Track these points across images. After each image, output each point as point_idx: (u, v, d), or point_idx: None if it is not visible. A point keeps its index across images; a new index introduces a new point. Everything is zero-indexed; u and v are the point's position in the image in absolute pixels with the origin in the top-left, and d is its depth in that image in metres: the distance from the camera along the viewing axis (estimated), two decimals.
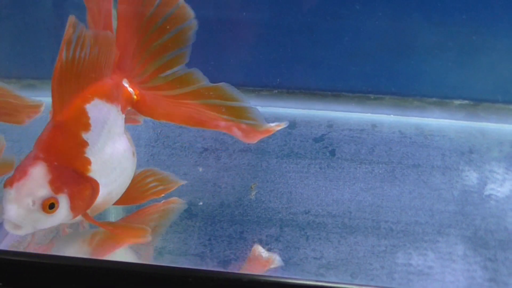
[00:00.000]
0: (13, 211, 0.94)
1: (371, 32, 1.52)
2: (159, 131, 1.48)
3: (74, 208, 0.98)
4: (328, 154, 1.41)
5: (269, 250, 1.13)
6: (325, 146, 1.44)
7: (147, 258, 1.12)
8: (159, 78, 1.07)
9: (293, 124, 1.52)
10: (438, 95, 1.57)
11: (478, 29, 1.49)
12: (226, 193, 1.28)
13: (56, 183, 0.96)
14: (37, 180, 0.95)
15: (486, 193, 1.28)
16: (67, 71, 0.94)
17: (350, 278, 1.07)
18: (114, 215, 1.20)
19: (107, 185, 1.04)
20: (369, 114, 1.56)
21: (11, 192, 0.94)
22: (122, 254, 1.12)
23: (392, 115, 1.56)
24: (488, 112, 1.54)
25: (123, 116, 1.08)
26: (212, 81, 1.60)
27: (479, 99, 1.56)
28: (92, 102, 1.00)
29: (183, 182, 1.22)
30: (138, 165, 1.16)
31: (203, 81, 1.08)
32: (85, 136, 0.99)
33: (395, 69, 1.56)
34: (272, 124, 1.12)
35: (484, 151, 1.42)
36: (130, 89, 1.08)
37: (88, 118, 0.99)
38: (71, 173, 0.98)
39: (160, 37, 1.04)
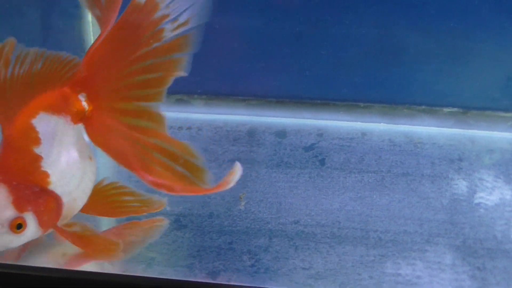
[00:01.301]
0: None
1: (360, 40, 1.52)
2: None
3: (42, 223, 0.99)
4: (318, 163, 1.41)
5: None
6: (315, 155, 1.44)
7: (136, 269, 1.11)
8: (126, 104, 1.05)
9: (282, 133, 1.52)
10: (428, 102, 1.57)
11: (466, 36, 1.49)
12: (215, 204, 1.28)
13: (20, 202, 0.96)
14: (1, 203, 0.95)
15: (476, 201, 1.28)
16: (5, 89, 0.95)
17: None
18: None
19: (70, 193, 1.04)
20: (358, 123, 1.56)
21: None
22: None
23: (381, 123, 1.56)
24: (477, 120, 1.55)
25: (75, 126, 1.08)
26: (200, 89, 1.64)
27: (468, 107, 1.56)
28: (38, 116, 1.01)
29: (168, 208, 1.21)
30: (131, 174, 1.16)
31: (166, 132, 1.07)
32: (37, 150, 1.00)
33: (384, 77, 1.56)
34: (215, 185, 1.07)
35: (474, 159, 1.42)
36: (84, 103, 1.06)
37: (36, 132, 1.00)
38: (32, 190, 0.98)
39: (145, 72, 1.03)
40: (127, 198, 1.18)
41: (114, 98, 1.06)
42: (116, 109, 1.06)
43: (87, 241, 1.09)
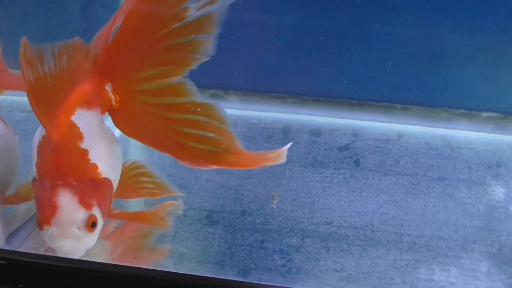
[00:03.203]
0: (65, 246, 0.95)
1: (400, 41, 1.51)
2: None
3: (103, 213, 1.00)
4: (352, 164, 1.40)
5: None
6: (350, 155, 1.43)
7: (167, 264, 1.11)
8: (149, 84, 1.02)
9: (317, 132, 1.51)
10: (466, 106, 1.55)
11: (509, 40, 1.47)
12: (248, 201, 1.27)
13: (86, 201, 0.96)
14: (70, 207, 0.95)
15: None
16: (39, 91, 0.93)
17: None
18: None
19: (114, 179, 1.05)
20: (395, 124, 1.55)
21: (53, 230, 0.94)
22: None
23: (418, 126, 1.54)
24: None
25: (101, 116, 1.07)
26: (238, 87, 1.63)
27: (508, 112, 1.54)
28: (76, 112, 1.00)
29: (180, 194, 1.20)
30: (164, 168, 1.15)
31: (194, 95, 1.01)
32: (82, 145, 0.99)
33: (423, 79, 1.54)
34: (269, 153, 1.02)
35: None
36: (111, 94, 1.06)
37: (78, 128, 0.99)
38: (89, 185, 0.98)
39: (166, 53, 1.00)
40: (144, 179, 1.17)
41: (138, 82, 1.03)
42: (141, 92, 1.03)
43: (141, 216, 1.13)
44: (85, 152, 0.99)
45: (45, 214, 0.94)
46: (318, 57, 1.56)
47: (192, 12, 0.97)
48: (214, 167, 1.02)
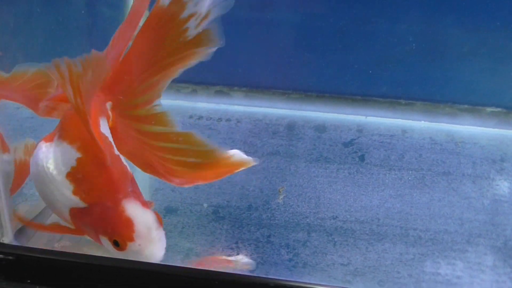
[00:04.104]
0: (155, 252, 0.95)
1: (403, 37, 1.51)
2: None
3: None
4: (357, 159, 1.40)
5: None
6: (355, 151, 1.43)
7: (174, 259, 1.12)
8: (141, 110, 1.04)
9: (322, 128, 1.51)
10: (470, 101, 1.55)
11: None
12: (254, 196, 1.28)
13: (144, 202, 0.97)
14: (142, 214, 0.94)
15: None
16: (82, 109, 0.92)
17: (378, 286, 1.06)
18: None
19: None
20: (399, 120, 1.55)
21: (138, 243, 0.93)
22: None
23: (423, 121, 1.54)
24: None
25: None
26: (243, 83, 1.64)
27: None
28: (101, 122, 1.00)
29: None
30: None
31: (175, 126, 1.05)
32: (116, 152, 0.99)
33: (427, 74, 1.54)
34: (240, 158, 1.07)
35: None
36: (110, 112, 1.06)
37: (107, 137, 0.99)
38: (134, 185, 0.98)
39: (164, 75, 1.02)
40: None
41: (132, 107, 1.05)
42: (131, 117, 1.06)
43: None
44: (120, 158, 0.99)
45: (124, 233, 0.93)
46: (323, 53, 1.56)
47: (192, 31, 0.98)
48: (201, 183, 1.07)
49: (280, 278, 0.95)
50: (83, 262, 0.96)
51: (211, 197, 1.27)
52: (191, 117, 1.56)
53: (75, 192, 0.96)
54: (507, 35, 1.47)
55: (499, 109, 1.54)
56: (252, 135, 1.49)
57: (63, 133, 0.99)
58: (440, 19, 1.48)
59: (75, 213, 0.97)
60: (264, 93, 1.63)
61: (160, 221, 0.95)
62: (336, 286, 1.00)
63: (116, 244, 0.93)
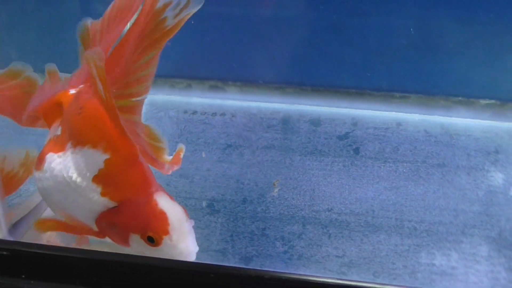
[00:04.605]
0: (189, 244, 0.93)
1: (398, 30, 1.51)
2: (183, 127, 1.49)
3: None
4: (352, 152, 1.41)
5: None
6: (349, 144, 1.43)
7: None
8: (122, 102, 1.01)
9: (317, 122, 1.52)
10: (464, 94, 1.55)
11: (506, 28, 1.47)
12: (249, 190, 1.28)
13: (169, 195, 0.95)
14: (173, 206, 0.92)
15: None
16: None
17: (373, 277, 1.07)
18: None
19: None
20: (394, 113, 1.55)
21: (173, 236, 0.91)
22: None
23: (417, 114, 1.54)
24: None
25: None
26: (238, 77, 1.64)
27: (506, 99, 1.54)
28: None
29: None
30: None
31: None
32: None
33: (421, 67, 1.54)
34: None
35: (511, 152, 1.40)
36: None
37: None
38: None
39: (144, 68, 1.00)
40: None
41: (119, 96, 1.02)
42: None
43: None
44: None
45: (159, 226, 0.90)
46: (317, 47, 1.56)
47: (170, 21, 0.96)
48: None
49: (275, 270, 0.95)
50: (79, 256, 0.96)
51: (206, 190, 1.27)
52: (185, 112, 1.56)
53: (103, 194, 0.93)
54: (501, 27, 1.47)
55: (493, 101, 1.54)
56: (247, 129, 1.49)
57: (80, 139, 0.94)
58: (434, 12, 1.48)
59: (102, 215, 0.95)
60: (259, 87, 1.63)
61: (187, 213, 0.94)
62: (331, 278, 1.00)
63: (150, 240, 0.91)
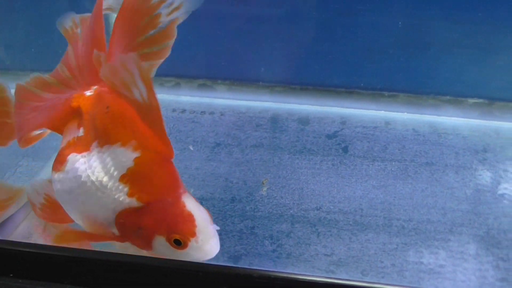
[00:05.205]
0: (214, 246, 0.92)
1: (386, 29, 1.51)
2: (172, 126, 1.49)
3: None
4: (340, 151, 1.41)
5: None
6: (338, 142, 1.44)
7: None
8: None
9: (306, 120, 1.52)
10: (453, 93, 1.56)
11: (494, 27, 1.48)
12: (238, 188, 1.28)
13: (194, 197, 0.95)
14: (198, 208, 0.91)
15: (500, 192, 1.27)
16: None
17: (361, 275, 1.07)
18: None
19: None
20: (382, 112, 1.55)
21: (200, 237, 0.90)
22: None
23: (406, 113, 1.55)
24: (502, 111, 1.53)
25: None
26: (226, 76, 1.64)
27: (494, 98, 1.54)
28: None
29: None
30: None
31: None
32: None
33: (409, 66, 1.55)
34: None
35: (498, 150, 1.41)
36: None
37: None
38: None
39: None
40: None
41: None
42: None
43: None
44: None
45: (187, 228, 0.89)
46: (306, 46, 1.56)
47: (164, 18, 0.95)
48: None
49: (264, 269, 0.95)
50: (67, 255, 0.96)
51: (194, 189, 1.27)
52: (174, 110, 1.56)
53: (131, 194, 0.91)
54: (489, 27, 1.48)
55: (481, 100, 1.55)
56: (236, 128, 1.49)
57: (108, 138, 0.93)
58: (422, 11, 1.48)
59: (127, 216, 0.92)
60: (248, 86, 1.63)
61: (211, 216, 0.93)
62: (320, 276, 1.00)
63: (177, 243, 0.90)
